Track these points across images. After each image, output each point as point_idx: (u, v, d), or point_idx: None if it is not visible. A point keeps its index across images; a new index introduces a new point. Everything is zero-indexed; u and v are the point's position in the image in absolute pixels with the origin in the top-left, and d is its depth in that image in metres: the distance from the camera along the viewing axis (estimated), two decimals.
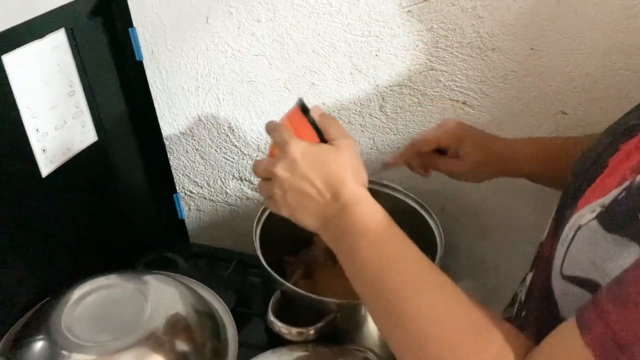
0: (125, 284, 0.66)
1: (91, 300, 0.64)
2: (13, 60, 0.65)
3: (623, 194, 0.38)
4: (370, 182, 0.60)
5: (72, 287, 0.66)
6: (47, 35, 0.70)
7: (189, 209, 1.10)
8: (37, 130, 0.70)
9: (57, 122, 0.74)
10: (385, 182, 0.88)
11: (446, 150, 0.74)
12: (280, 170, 0.55)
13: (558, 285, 0.43)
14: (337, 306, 0.69)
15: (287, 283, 0.70)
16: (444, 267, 0.83)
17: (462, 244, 1.02)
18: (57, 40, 0.72)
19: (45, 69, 0.71)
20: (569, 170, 0.55)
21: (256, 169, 0.59)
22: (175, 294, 0.67)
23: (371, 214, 0.53)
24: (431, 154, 0.75)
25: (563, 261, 0.42)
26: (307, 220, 0.56)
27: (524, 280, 0.62)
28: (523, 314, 0.56)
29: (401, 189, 0.87)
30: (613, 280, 0.35)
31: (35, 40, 0.68)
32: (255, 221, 0.82)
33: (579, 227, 0.41)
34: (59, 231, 0.77)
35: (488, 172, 0.75)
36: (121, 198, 0.89)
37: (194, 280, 0.77)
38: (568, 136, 0.74)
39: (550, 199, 0.90)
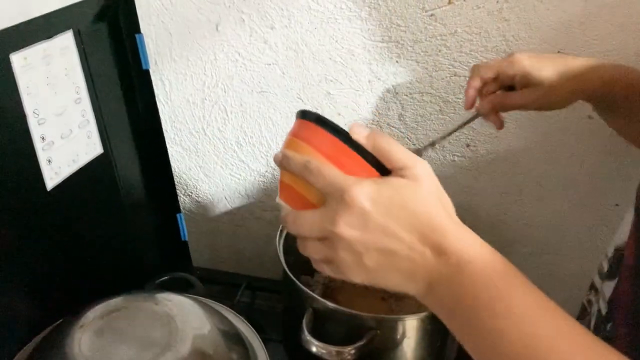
0: (144, 304, 0.60)
1: (112, 320, 0.57)
2: (21, 60, 0.60)
3: None
4: None
5: (86, 308, 0.59)
6: (55, 36, 0.65)
7: (191, 230, 1.04)
8: (43, 138, 0.64)
9: (63, 130, 0.68)
10: None
11: (513, 86, 0.64)
12: (346, 229, 0.39)
13: None
14: (377, 323, 0.63)
15: (321, 299, 0.65)
16: None
17: None
18: (66, 42, 0.67)
19: (53, 72, 0.65)
20: None
21: (296, 226, 0.42)
22: (200, 315, 0.61)
23: (489, 270, 0.39)
24: (498, 93, 0.65)
25: None
26: (396, 283, 0.42)
27: (595, 289, 0.57)
28: (608, 327, 0.51)
29: None
30: None
31: (44, 40, 0.63)
32: (277, 236, 0.77)
33: None
34: (62, 250, 0.70)
35: (566, 95, 0.63)
36: (124, 217, 0.83)
37: (216, 302, 0.70)
38: None
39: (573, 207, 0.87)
